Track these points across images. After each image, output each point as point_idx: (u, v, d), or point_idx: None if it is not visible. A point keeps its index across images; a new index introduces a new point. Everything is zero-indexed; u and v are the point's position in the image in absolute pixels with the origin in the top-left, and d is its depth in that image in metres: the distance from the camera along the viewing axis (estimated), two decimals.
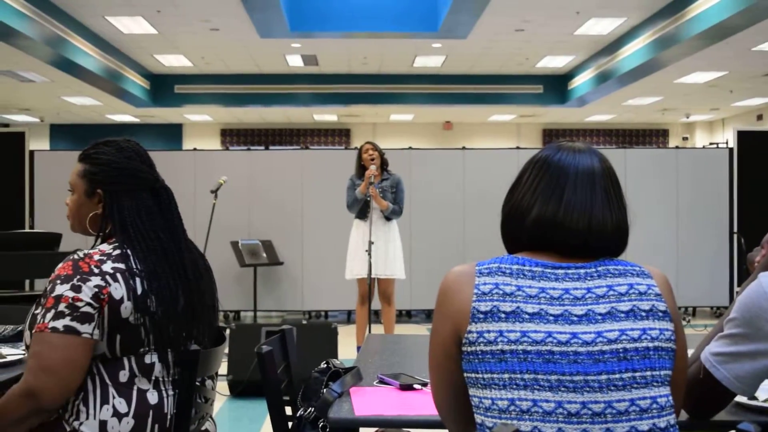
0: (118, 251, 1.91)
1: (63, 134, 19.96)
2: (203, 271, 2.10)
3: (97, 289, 1.83)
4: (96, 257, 1.89)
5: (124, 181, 2.00)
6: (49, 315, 1.81)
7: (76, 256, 1.89)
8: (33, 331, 1.83)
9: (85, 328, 1.81)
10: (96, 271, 1.85)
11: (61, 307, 1.81)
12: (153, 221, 1.99)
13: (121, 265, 1.88)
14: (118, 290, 1.85)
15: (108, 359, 1.88)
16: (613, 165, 1.57)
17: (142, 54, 13.62)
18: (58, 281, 1.84)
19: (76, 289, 1.82)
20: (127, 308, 1.85)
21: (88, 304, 1.82)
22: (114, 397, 1.87)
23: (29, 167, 8.73)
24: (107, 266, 1.87)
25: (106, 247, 1.93)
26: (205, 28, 11.59)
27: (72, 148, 15.47)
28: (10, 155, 8.73)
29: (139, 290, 1.88)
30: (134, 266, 1.89)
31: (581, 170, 1.51)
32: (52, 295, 1.83)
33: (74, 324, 1.80)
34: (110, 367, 1.88)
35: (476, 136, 19.77)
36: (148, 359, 1.91)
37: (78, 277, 1.84)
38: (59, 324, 1.80)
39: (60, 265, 1.88)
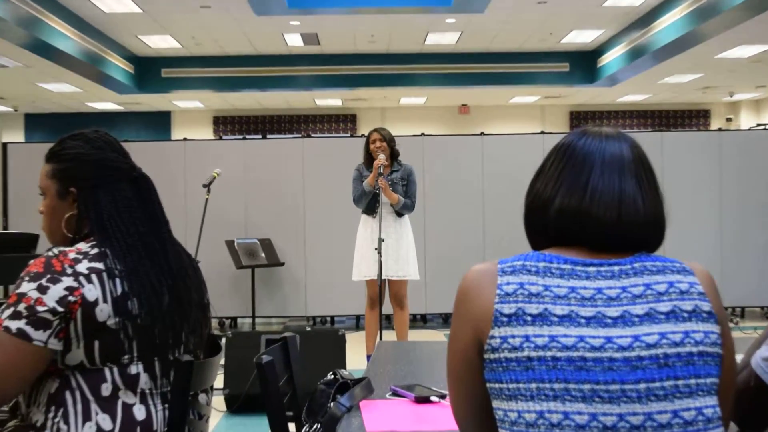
0: (95, 250, 1.93)
1: (39, 125, 20.03)
2: (188, 265, 2.10)
3: (66, 292, 1.85)
4: (71, 255, 1.91)
5: (97, 174, 2.02)
6: (8, 312, 1.84)
7: (50, 253, 1.92)
8: None
9: (38, 335, 1.83)
10: (69, 271, 1.87)
11: (21, 307, 1.84)
12: (132, 214, 2.01)
13: (99, 265, 1.90)
14: (92, 291, 1.87)
15: (88, 369, 1.89)
16: (649, 150, 1.57)
17: (125, 35, 13.66)
18: (27, 278, 1.87)
19: (42, 290, 1.85)
20: (103, 311, 1.87)
21: (49, 310, 1.84)
22: (97, 414, 1.88)
23: (2, 161, 8.79)
24: (82, 266, 1.89)
25: (83, 246, 1.95)
26: (196, 6, 11.62)
27: (50, 140, 15.49)
28: None
29: (119, 291, 1.89)
30: (113, 266, 1.91)
31: (608, 156, 1.51)
32: (17, 291, 1.86)
33: (27, 329, 1.83)
34: (91, 379, 1.89)
35: (496, 121, 19.75)
36: (132, 369, 1.92)
37: (48, 276, 1.86)
38: (13, 325, 1.83)
39: (33, 261, 1.91)
